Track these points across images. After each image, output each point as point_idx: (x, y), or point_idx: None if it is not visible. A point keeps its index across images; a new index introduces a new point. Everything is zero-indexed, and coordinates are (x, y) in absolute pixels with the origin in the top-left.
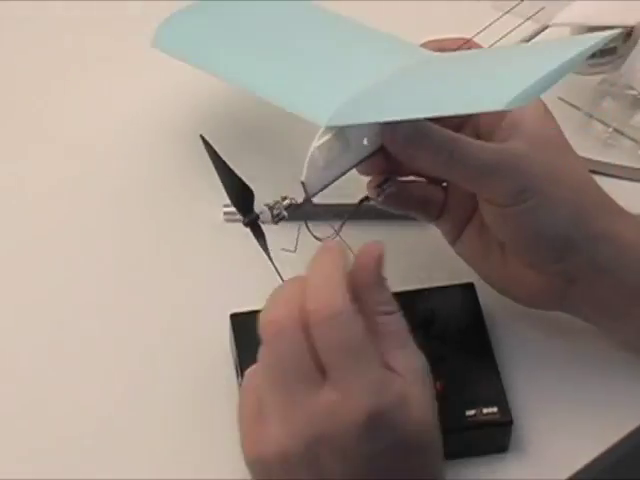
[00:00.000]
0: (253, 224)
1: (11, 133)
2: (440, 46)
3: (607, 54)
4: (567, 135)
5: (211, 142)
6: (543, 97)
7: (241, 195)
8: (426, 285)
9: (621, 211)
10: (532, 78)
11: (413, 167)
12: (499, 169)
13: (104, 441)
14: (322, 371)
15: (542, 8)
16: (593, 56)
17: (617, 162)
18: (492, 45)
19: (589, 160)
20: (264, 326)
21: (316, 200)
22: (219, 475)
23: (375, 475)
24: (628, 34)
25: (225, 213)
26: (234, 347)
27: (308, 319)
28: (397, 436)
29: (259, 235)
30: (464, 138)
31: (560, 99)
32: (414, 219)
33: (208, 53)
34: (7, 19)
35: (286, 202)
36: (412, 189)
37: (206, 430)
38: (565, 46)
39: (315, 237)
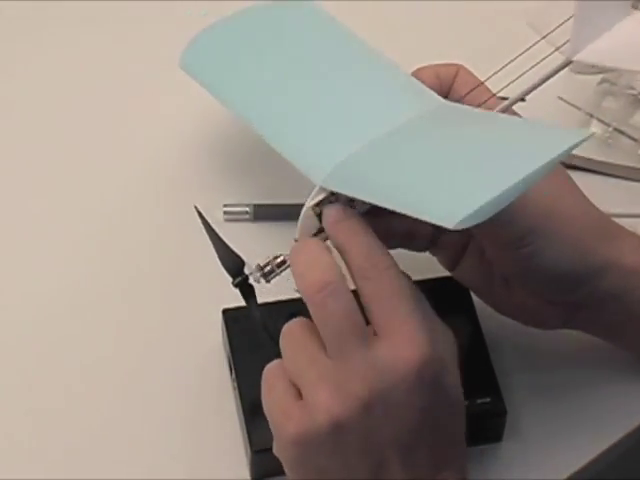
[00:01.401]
0: (242, 284)
1: (23, 139)
2: (434, 72)
3: None
4: None
5: (203, 215)
6: (543, 97)
7: (232, 261)
8: (418, 278)
9: (621, 233)
10: (489, 196)
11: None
12: (498, 217)
13: (97, 438)
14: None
15: (568, 40)
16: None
17: (617, 162)
18: (500, 70)
19: (589, 160)
20: (310, 288)
21: None
22: (212, 472)
23: (427, 431)
24: None
25: (225, 212)
26: (227, 343)
27: (354, 275)
28: (443, 390)
29: (248, 295)
30: None
31: (560, 99)
32: None
33: (222, 83)
34: (25, 34)
35: (279, 260)
36: (395, 225)
37: (199, 426)
38: (542, 146)
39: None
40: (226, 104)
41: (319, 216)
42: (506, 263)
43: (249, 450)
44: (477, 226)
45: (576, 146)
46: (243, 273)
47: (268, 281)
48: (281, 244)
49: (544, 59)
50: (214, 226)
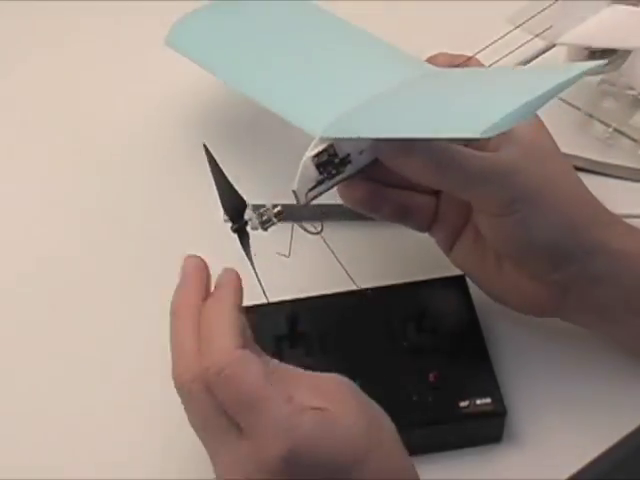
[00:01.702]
0: (240, 230)
1: (17, 130)
2: (449, 60)
3: (607, 54)
4: (567, 135)
5: (214, 145)
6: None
7: (233, 203)
8: (418, 278)
9: (613, 219)
10: (509, 108)
11: (405, 176)
12: (489, 179)
13: (96, 438)
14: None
15: (550, 27)
16: (593, 56)
17: (617, 162)
18: (497, 61)
19: (589, 160)
20: (175, 384)
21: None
22: (211, 472)
23: None
24: None
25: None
26: None
27: (206, 378)
28: (322, 462)
29: (245, 242)
30: (454, 147)
31: (560, 99)
32: None
33: (214, 57)
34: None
35: (277, 209)
36: (402, 199)
37: None
38: (549, 75)
39: (306, 230)
40: (216, 73)
41: (318, 167)
42: (497, 234)
43: None
44: (468, 190)
45: (585, 72)
46: (243, 218)
47: (265, 229)
48: (281, 244)
49: (524, 44)
50: (221, 165)
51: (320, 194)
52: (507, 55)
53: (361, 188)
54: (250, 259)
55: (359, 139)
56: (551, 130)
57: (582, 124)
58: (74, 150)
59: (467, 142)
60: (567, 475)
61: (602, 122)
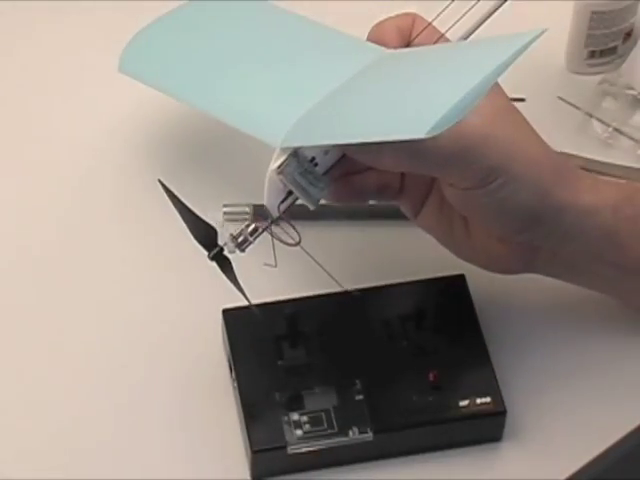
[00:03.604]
0: (218, 257)
1: None
2: (394, 25)
3: (607, 54)
4: (567, 135)
5: (179, 167)
6: (543, 97)
7: (203, 232)
8: (418, 277)
9: (578, 175)
10: (452, 100)
11: (377, 168)
12: (462, 156)
13: (96, 439)
14: None
15: None
16: (592, 56)
17: (617, 162)
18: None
19: (589, 160)
20: None
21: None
22: (212, 472)
23: None
24: (628, 34)
25: (225, 213)
26: (227, 343)
27: None
28: None
29: (226, 268)
30: None
31: (560, 99)
32: (398, 219)
33: (165, 77)
34: None
35: (251, 228)
36: (368, 181)
37: (199, 426)
38: (493, 51)
39: (285, 243)
40: (173, 95)
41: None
42: (468, 204)
43: (249, 450)
44: (445, 169)
45: (531, 42)
46: (217, 244)
47: (243, 250)
48: (281, 243)
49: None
50: (182, 198)
51: (291, 204)
52: (462, 17)
53: (343, 185)
54: (236, 283)
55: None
56: (551, 130)
57: (582, 124)
58: (63, 158)
59: None
60: (568, 473)
61: (602, 122)
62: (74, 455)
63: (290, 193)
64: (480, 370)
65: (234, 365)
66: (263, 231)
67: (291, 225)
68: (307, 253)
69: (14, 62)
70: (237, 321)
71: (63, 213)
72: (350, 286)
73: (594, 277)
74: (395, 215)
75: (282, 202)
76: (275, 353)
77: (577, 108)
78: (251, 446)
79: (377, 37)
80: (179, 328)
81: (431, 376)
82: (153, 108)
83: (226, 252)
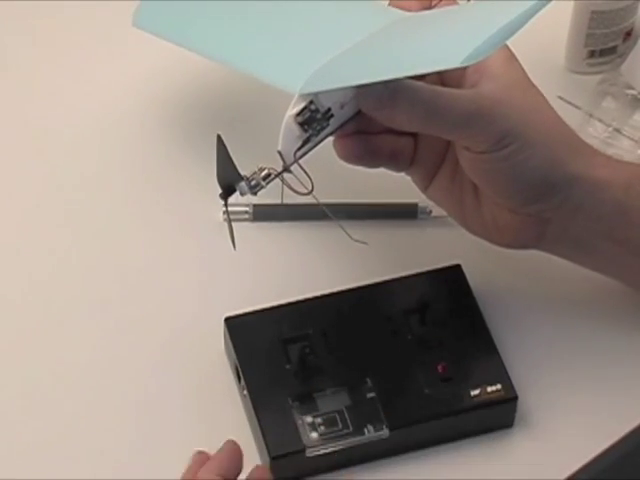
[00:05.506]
0: (228, 195)
1: None
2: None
3: (607, 53)
4: None
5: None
6: (543, 94)
7: (230, 176)
8: (419, 270)
9: (592, 151)
10: (484, 36)
11: (391, 126)
12: (479, 117)
13: (102, 443)
14: None
15: None
16: (592, 55)
17: None
18: None
19: None
20: None
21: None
22: None
23: None
24: (628, 33)
25: (225, 212)
26: (231, 350)
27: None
28: None
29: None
30: (439, 90)
31: (560, 98)
32: (395, 217)
33: (183, 30)
34: None
35: (264, 173)
36: (382, 143)
37: (207, 434)
38: (514, 4)
39: (296, 192)
40: (190, 46)
41: (302, 125)
42: (481, 170)
43: (267, 456)
44: (460, 129)
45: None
46: (234, 189)
47: (254, 193)
48: (281, 244)
49: None
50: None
51: (307, 152)
52: None
53: (355, 142)
54: (230, 227)
55: (340, 89)
56: None
57: (582, 124)
58: (41, 142)
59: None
60: (580, 456)
61: (602, 122)
62: (75, 457)
63: (306, 141)
64: (488, 358)
65: (243, 373)
66: (276, 177)
67: (306, 172)
68: (318, 201)
69: (25, 23)
70: (240, 328)
71: (75, 212)
72: (350, 286)
73: (601, 257)
74: (395, 215)
75: (298, 149)
76: (282, 357)
77: (577, 108)
78: (269, 452)
79: (398, 3)
80: (180, 338)
81: (440, 368)
82: (171, 63)
83: (238, 194)
